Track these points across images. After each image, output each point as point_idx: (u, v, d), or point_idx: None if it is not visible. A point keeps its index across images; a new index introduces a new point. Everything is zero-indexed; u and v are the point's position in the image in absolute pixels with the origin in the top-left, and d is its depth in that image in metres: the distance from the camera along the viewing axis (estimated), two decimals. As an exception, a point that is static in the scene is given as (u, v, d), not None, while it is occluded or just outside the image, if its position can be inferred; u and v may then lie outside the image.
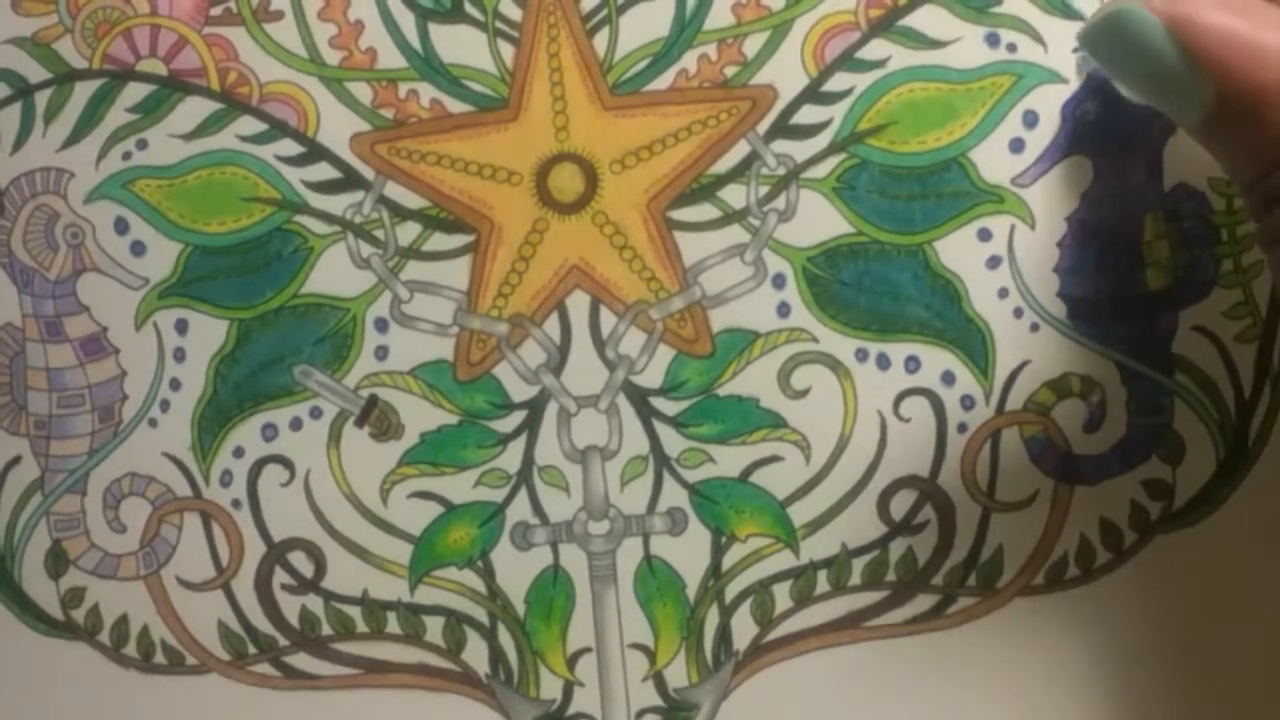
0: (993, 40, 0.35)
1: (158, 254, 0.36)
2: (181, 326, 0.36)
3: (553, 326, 0.36)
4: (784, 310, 0.36)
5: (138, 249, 0.36)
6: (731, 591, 0.36)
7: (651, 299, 0.36)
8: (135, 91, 0.36)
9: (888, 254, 0.36)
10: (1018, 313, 0.36)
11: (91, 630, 0.37)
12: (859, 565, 0.36)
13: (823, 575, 0.36)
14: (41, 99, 0.36)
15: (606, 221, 0.36)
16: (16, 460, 0.37)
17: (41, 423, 0.37)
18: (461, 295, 0.36)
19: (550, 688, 0.37)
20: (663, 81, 0.35)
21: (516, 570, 0.37)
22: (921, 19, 0.35)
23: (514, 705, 0.37)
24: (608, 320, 0.36)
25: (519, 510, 0.36)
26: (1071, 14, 0.35)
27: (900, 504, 0.36)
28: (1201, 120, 0.29)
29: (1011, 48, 0.35)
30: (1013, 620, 0.36)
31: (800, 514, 0.36)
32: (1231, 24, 0.28)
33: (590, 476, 0.36)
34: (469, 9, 0.35)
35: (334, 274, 0.36)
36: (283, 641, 0.37)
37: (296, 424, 0.36)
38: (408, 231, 0.36)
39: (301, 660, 0.37)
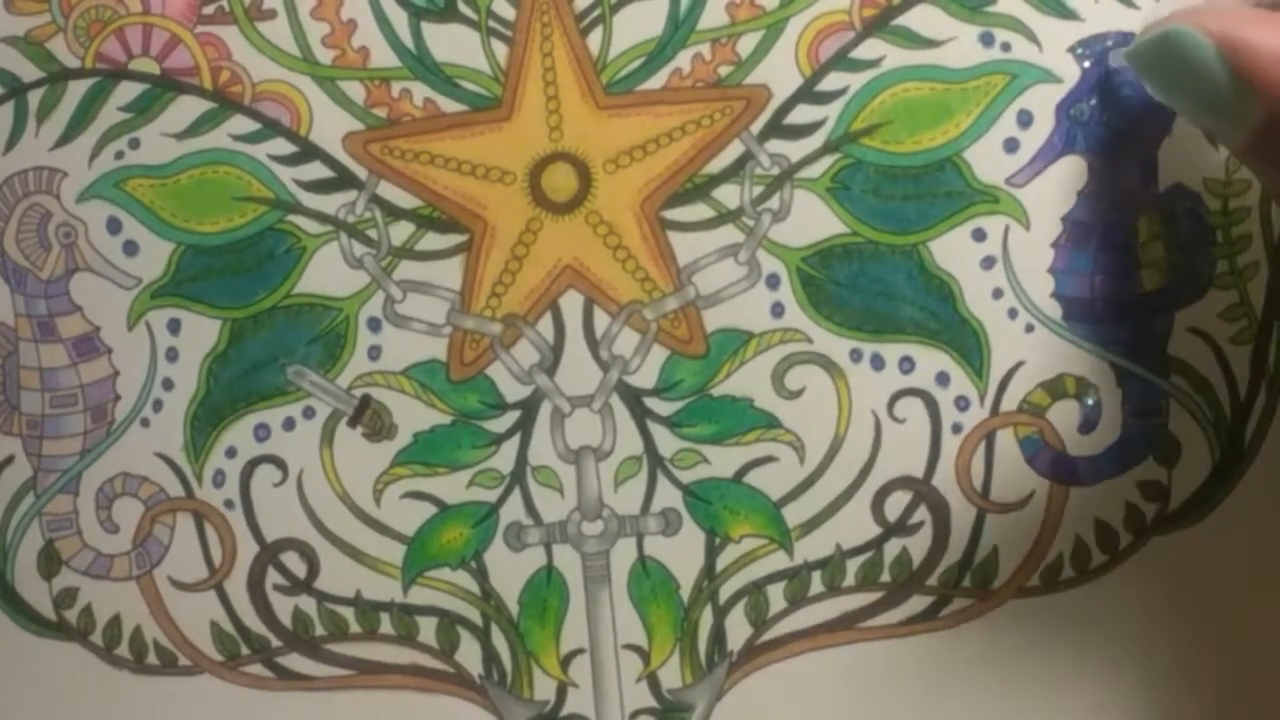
0: (987, 40, 0.35)
1: (150, 253, 0.36)
2: (174, 326, 0.36)
3: (546, 326, 0.36)
4: (778, 310, 0.36)
5: (130, 248, 0.36)
6: (725, 592, 0.36)
7: (645, 299, 0.36)
8: (128, 90, 0.36)
9: (882, 254, 0.36)
10: (1012, 313, 0.35)
11: (84, 631, 0.37)
12: (853, 566, 0.36)
13: (817, 576, 0.36)
14: (34, 98, 0.36)
15: (600, 221, 0.36)
16: (9, 460, 0.37)
17: (34, 422, 0.37)
18: (455, 295, 0.36)
19: (544, 689, 0.37)
20: (656, 81, 0.35)
21: (510, 571, 0.37)
22: (915, 18, 0.35)
23: (507, 706, 0.37)
24: (601, 320, 0.36)
25: (512, 511, 0.36)
26: (1066, 13, 0.35)
27: (895, 505, 0.36)
28: (1248, 143, 0.29)
29: (1006, 47, 0.35)
30: (1008, 622, 0.36)
31: (794, 515, 0.36)
32: None
33: (584, 477, 0.36)
34: (462, 8, 0.35)
35: (327, 274, 0.36)
36: (275, 642, 0.37)
37: (289, 424, 0.36)
38: (400, 231, 0.36)
39: (294, 661, 0.37)
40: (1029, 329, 0.35)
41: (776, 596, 0.36)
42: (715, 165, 0.36)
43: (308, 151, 0.36)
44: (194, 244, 0.36)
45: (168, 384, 0.36)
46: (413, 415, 0.36)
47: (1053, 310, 0.35)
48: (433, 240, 0.36)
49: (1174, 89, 0.30)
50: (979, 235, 0.35)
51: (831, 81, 0.35)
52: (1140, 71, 0.31)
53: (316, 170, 0.36)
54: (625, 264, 0.36)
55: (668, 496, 0.36)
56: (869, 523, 0.36)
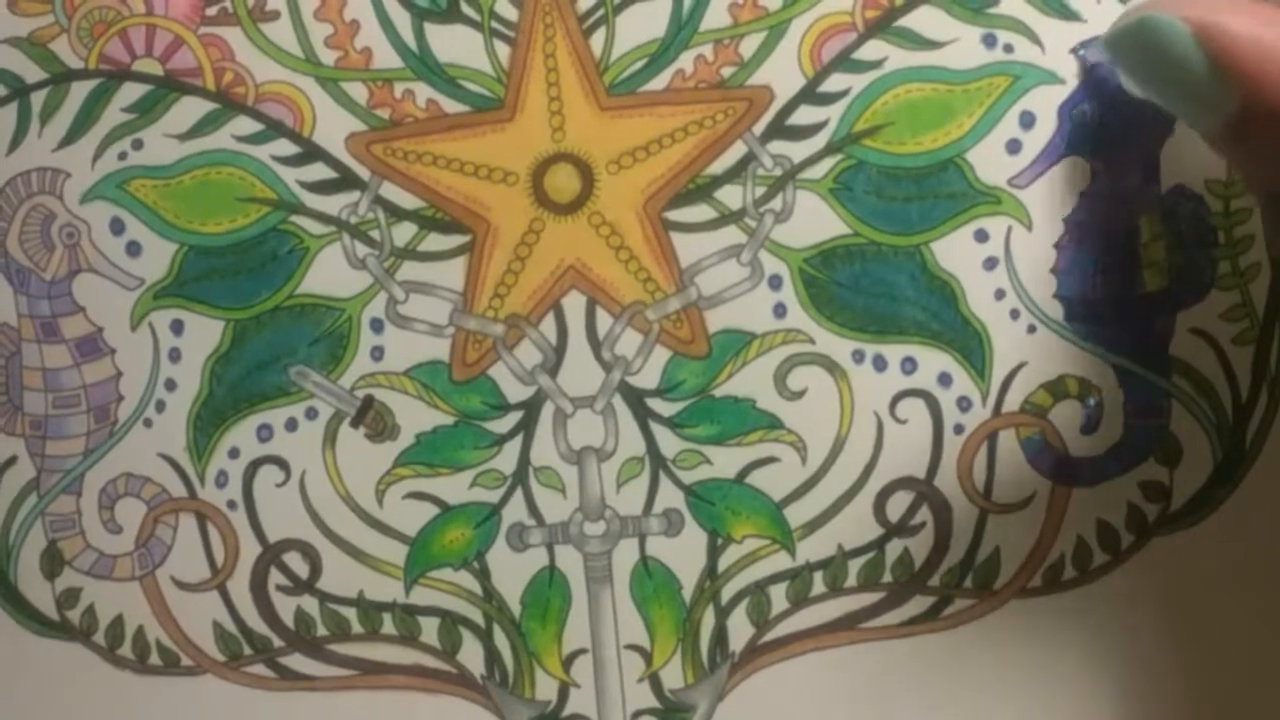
0: (990, 41, 0.35)
1: (153, 254, 0.36)
2: (177, 327, 0.36)
3: (549, 327, 0.36)
4: (780, 311, 0.36)
5: (133, 249, 0.36)
6: (728, 593, 0.36)
7: (648, 300, 0.36)
8: (131, 91, 0.36)
9: (884, 255, 0.36)
10: (1014, 314, 0.35)
11: (87, 631, 0.37)
12: (855, 566, 0.36)
13: (819, 576, 0.36)
14: (37, 99, 0.36)
15: (603, 222, 0.36)
16: (12, 460, 0.37)
17: (37, 423, 0.37)
18: (457, 296, 0.36)
19: (546, 689, 0.37)
20: (659, 82, 0.35)
21: (512, 571, 0.37)
22: (918, 19, 0.35)
23: (509, 706, 0.37)
24: (604, 321, 0.36)
25: (515, 511, 0.36)
26: (1069, 15, 0.35)
27: (896, 505, 0.36)
28: (1222, 130, 0.29)
29: (1008, 48, 0.35)
30: (1009, 622, 0.36)
31: (796, 515, 0.36)
32: (1261, 34, 0.27)
33: (586, 477, 0.36)
34: (465, 9, 0.35)
35: (329, 274, 0.36)
36: (278, 642, 0.37)
37: (292, 425, 0.36)
38: (403, 232, 0.36)
39: (296, 661, 0.37)
40: (1031, 330, 0.35)
41: (778, 597, 0.36)
42: (718, 166, 0.36)
43: (310, 152, 0.36)
44: (197, 245, 0.36)
45: (170, 384, 0.36)
46: (415, 416, 0.36)
47: (1055, 311, 0.35)
48: (435, 241, 0.36)
49: (1150, 75, 0.30)
50: (981, 236, 0.35)
51: (834, 82, 0.35)
52: (1116, 57, 0.31)
53: (319, 171, 0.36)
54: (628, 265, 0.36)
55: (670, 497, 0.36)
56: (871, 523, 0.36)
